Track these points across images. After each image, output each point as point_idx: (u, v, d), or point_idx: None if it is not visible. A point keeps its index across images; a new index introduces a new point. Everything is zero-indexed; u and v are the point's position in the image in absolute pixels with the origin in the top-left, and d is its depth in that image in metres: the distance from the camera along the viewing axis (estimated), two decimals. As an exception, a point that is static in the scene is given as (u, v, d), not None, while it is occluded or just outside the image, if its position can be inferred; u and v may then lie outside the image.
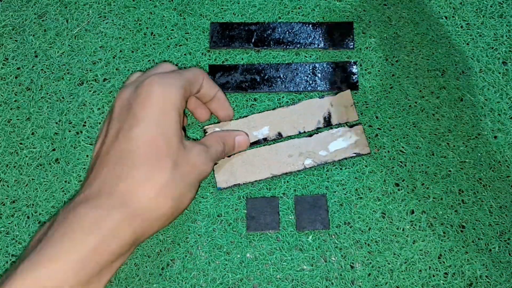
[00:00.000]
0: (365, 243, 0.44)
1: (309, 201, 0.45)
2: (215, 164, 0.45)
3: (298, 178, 0.46)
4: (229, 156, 0.46)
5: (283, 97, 0.49)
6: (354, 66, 0.49)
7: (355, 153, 0.46)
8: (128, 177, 0.37)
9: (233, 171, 0.45)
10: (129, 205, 0.36)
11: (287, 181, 0.46)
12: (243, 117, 0.47)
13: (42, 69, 0.50)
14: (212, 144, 0.42)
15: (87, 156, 0.47)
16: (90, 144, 0.48)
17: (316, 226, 0.44)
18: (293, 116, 0.47)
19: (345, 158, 0.46)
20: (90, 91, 0.49)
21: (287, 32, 0.50)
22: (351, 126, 0.47)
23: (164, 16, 0.52)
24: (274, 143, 0.46)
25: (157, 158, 0.37)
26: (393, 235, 0.44)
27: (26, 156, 0.47)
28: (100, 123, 0.48)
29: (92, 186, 0.37)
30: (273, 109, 0.47)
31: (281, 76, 0.49)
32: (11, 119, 0.49)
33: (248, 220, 0.44)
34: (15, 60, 0.51)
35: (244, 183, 0.45)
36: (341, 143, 0.46)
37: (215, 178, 0.45)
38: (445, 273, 0.43)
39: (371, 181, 0.46)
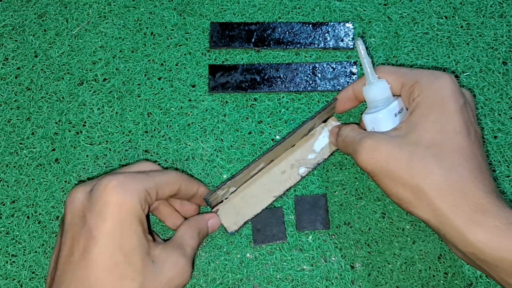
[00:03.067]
0: (365, 243, 0.44)
1: (309, 201, 0.45)
2: (216, 211, 0.44)
3: (297, 184, 0.46)
4: (214, 207, 0.45)
5: (283, 97, 0.49)
6: (354, 66, 0.49)
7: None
8: None
9: (237, 211, 0.44)
10: None
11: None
12: (245, 167, 0.43)
13: (42, 69, 0.50)
14: (186, 242, 0.39)
15: (87, 156, 0.47)
16: (90, 144, 0.48)
17: (316, 226, 0.44)
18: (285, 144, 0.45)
19: (333, 153, 0.46)
20: (90, 91, 0.49)
21: (287, 32, 0.50)
22: (324, 121, 0.47)
23: (164, 16, 0.52)
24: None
25: (120, 285, 0.33)
26: (393, 235, 0.44)
27: (26, 156, 0.47)
28: (100, 123, 0.48)
29: None
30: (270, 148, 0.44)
31: (281, 76, 0.49)
32: (11, 119, 0.49)
33: (254, 233, 0.44)
34: (15, 60, 0.51)
35: (253, 217, 0.44)
36: (323, 139, 0.47)
37: (223, 225, 0.44)
38: (445, 273, 0.43)
39: (371, 181, 0.46)
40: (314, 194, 0.45)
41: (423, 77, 0.38)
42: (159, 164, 0.44)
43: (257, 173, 0.45)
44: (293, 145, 0.46)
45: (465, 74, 0.49)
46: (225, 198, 0.44)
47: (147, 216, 0.39)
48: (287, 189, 0.45)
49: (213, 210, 0.44)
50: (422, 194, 0.34)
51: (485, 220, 0.32)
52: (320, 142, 0.46)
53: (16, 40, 0.51)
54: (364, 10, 0.51)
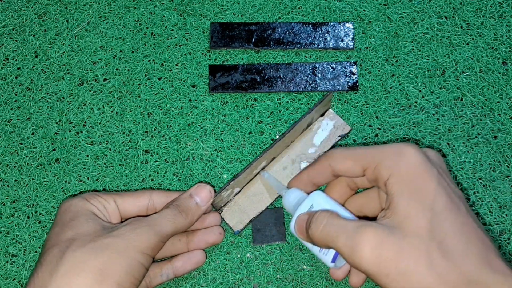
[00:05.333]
0: (365, 243, 0.44)
1: None
2: (220, 213, 0.44)
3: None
4: (220, 209, 0.44)
5: (283, 97, 0.49)
6: (354, 66, 0.49)
7: (339, 136, 0.46)
8: None
9: (242, 209, 0.44)
10: None
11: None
12: (248, 166, 0.43)
13: (42, 69, 0.50)
14: (162, 223, 0.38)
15: (87, 156, 0.47)
16: (90, 144, 0.48)
17: None
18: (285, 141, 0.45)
19: (334, 146, 0.46)
20: (90, 91, 0.49)
21: (287, 32, 0.50)
22: (322, 115, 0.47)
23: (164, 16, 0.52)
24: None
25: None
26: (393, 235, 0.44)
27: (26, 156, 0.47)
28: (100, 123, 0.48)
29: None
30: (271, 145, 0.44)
31: (281, 76, 0.49)
32: (11, 119, 0.49)
33: (254, 233, 0.44)
34: (15, 60, 0.51)
35: (257, 215, 0.45)
36: (322, 133, 0.47)
37: (228, 224, 0.44)
38: (445, 273, 0.43)
39: (371, 181, 0.46)
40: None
41: (385, 156, 0.35)
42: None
43: (259, 172, 0.45)
44: (293, 141, 0.46)
45: (465, 74, 0.49)
46: (230, 200, 0.45)
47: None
48: None
49: (218, 211, 0.44)
50: None
51: None
52: (319, 136, 0.47)
53: (16, 40, 0.51)
54: (364, 10, 0.51)
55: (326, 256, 0.37)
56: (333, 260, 0.37)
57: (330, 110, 0.47)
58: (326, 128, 0.47)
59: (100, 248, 0.34)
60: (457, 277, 0.31)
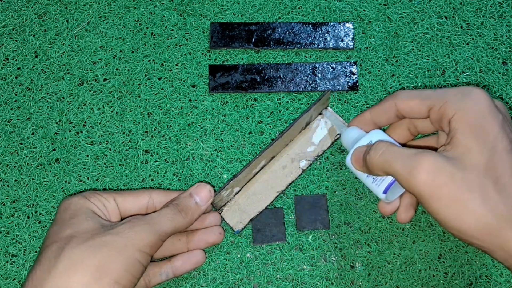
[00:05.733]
0: (365, 243, 0.44)
1: (309, 201, 0.45)
2: (220, 212, 0.44)
3: (299, 178, 0.46)
4: (220, 209, 0.44)
5: (283, 97, 0.49)
6: (354, 66, 0.49)
7: (338, 134, 0.46)
8: None
9: (242, 209, 0.45)
10: None
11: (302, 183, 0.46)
12: (246, 165, 0.43)
13: (42, 69, 0.50)
14: (162, 221, 0.38)
15: (87, 156, 0.47)
16: (90, 144, 0.48)
17: (316, 226, 0.44)
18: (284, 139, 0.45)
19: (332, 144, 0.46)
20: (90, 91, 0.49)
21: (287, 32, 0.50)
22: (320, 113, 0.47)
23: (164, 16, 0.52)
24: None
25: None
26: (393, 235, 0.44)
27: (26, 156, 0.47)
28: (100, 123, 0.48)
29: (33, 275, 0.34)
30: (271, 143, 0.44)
31: (281, 76, 0.49)
32: (11, 119, 0.49)
33: (254, 233, 0.44)
34: (15, 60, 0.51)
35: (257, 214, 0.45)
36: (321, 131, 0.47)
37: (228, 224, 0.44)
38: (445, 273, 0.43)
39: (371, 181, 0.46)
40: (314, 194, 0.45)
41: (452, 96, 0.35)
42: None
43: (259, 171, 0.45)
44: (292, 140, 0.46)
45: (465, 74, 0.49)
46: (230, 199, 0.45)
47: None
48: (289, 184, 0.45)
49: (218, 210, 0.44)
50: (491, 227, 0.32)
51: None
52: (318, 134, 0.47)
53: (16, 40, 0.51)
54: (364, 10, 0.51)
55: (378, 187, 0.39)
56: (385, 191, 0.38)
57: (329, 108, 0.47)
58: (325, 126, 0.47)
59: (98, 245, 0.34)
60: (508, 213, 0.31)
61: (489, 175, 0.32)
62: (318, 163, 0.46)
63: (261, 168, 0.45)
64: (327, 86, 0.48)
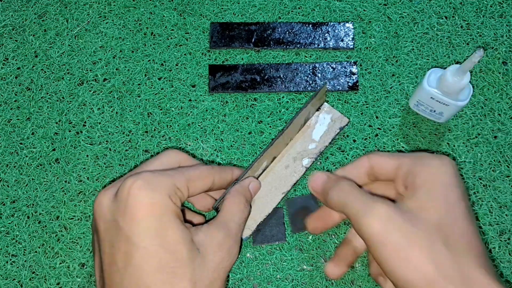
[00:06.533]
0: (365, 243, 0.44)
1: (299, 202, 0.45)
2: None
3: (303, 177, 0.46)
4: None
5: (283, 97, 0.49)
6: (354, 66, 0.49)
7: (339, 129, 0.46)
8: None
9: (249, 215, 0.44)
10: None
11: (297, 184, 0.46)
12: (251, 165, 0.43)
13: (42, 69, 0.50)
14: (233, 216, 0.38)
15: (87, 156, 0.47)
16: (90, 144, 0.48)
17: None
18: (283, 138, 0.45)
19: (334, 139, 0.46)
20: (90, 91, 0.49)
21: (287, 32, 0.50)
22: (318, 109, 0.47)
23: (164, 16, 0.52)
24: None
25: (171, 284, 0.32)
26: (393, 235, 0.44)
27: (26, 156, 0.47)
28: (100, 123, 0.48)
29: None
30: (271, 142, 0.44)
31: (281, 76, 0.49)
32: (11, 119, 0.49)
33: (253, 233, 0.44)
34: (15, 60, 0.51)
35: (264, 219, 0.44)
36: (320, 127, 0.47)
37: None
38: (445, 273, 0.43)
39: (371, 181, 0.46)
40: (303, 195, 0.45)
41: (424, 159, 0.36)
42: (187, 152, 0.42)
43: (261, 173, 0.45)
44: (292, 139, 0.46)
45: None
46: None
47: (183, 210, 0.38)
48: (294, 183, 0.45)
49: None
50: (432, 281, 0.32)
51: None
52: (317, 130, 0.46)
53: (16, 40, 0.51)
54: (364, 10, 0.51)
55: None
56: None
57: (326, 104, 0.47)
58: (324, 122, 0.47)
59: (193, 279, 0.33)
60: (455, 272, 0.32)
61: (440, 232, 0.33)
62: (319, 163, 0.46)
63: (263, 170, 0.45)
64: (327, 86, 0.48)
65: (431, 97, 0.43)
